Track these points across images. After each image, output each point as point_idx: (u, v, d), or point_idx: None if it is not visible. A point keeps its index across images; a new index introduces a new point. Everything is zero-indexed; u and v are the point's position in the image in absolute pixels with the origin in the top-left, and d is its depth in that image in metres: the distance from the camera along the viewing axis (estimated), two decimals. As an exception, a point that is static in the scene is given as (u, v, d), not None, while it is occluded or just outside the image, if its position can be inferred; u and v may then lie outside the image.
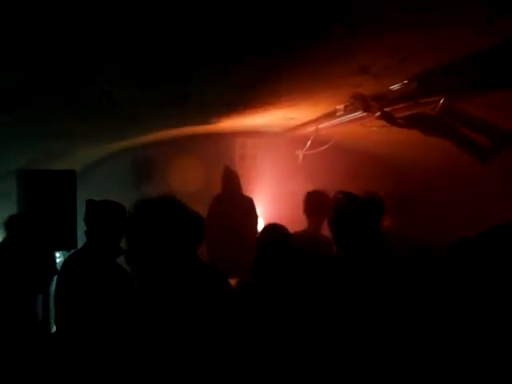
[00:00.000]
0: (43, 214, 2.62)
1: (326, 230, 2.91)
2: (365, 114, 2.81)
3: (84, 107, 2.22)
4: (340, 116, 3.11)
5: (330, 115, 3.29)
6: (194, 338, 1.33)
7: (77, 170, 2.99)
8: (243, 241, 3.58)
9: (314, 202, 3.28)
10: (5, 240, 1.83)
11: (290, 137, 4.60)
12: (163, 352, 1.29)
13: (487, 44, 1.77)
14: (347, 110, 2.98)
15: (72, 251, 2.63)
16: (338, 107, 3.09)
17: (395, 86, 2.47)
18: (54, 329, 2.41)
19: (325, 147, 3.82)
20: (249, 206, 4.23)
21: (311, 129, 3.75)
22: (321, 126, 3.54)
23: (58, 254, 3.55)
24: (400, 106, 2.56)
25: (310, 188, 4.92)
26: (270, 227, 2.39)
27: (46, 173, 2.80)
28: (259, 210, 4.98)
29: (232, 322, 1.60)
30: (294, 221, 3.62)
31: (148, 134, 3.75)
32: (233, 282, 2.10)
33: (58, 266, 2.08)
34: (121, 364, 1.33)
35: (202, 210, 4.29)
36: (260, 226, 4.22)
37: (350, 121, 3.10)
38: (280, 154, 4.86)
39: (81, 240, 2.69)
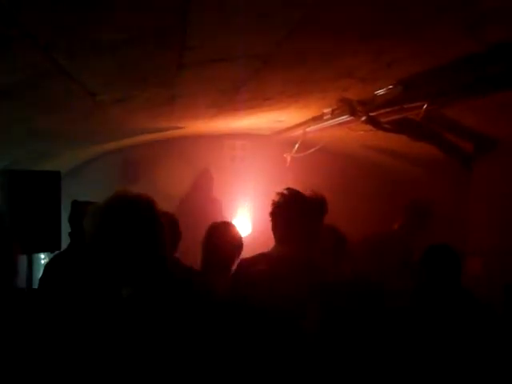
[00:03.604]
0: (27, 214, 2.60)
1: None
2: (351, 118, 2.82)
3: (69, 108, 2.20)
4: (327, 120, 3.12)
5: (318, 119, 3.30)
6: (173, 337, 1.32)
7: (63, 170, 2.97)
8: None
9: None
10: None
11: (280, 139, 4.61)
12: (142, 356, 1.28)
13: (473, 49, 1.78)
14: (334, 114, 2.99)
15: (56, 253, 2.61)
16: (325, 111, 3.10)
17: (381, 91, 2.48)
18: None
19: (312, 150, 3.83)
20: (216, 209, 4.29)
21: (299, 132, 3.76)
22: (308, 129, 3.55)
23: (42, 256, 3.52)
24: (386, 110, 2.58)
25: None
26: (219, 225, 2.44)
27: (31, 173, 2.77)
28: (248, 212, 4.98)
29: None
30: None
31: (135, 136, 3.73)
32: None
33: (42, 268, 2.07)
34: (102, 368, 1.33)
35: (192, 211, 4.28)
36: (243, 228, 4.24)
37: (337, 125, 3.11)
38: (269, 156, 4.86)
39: (64, 242, 2.67)
